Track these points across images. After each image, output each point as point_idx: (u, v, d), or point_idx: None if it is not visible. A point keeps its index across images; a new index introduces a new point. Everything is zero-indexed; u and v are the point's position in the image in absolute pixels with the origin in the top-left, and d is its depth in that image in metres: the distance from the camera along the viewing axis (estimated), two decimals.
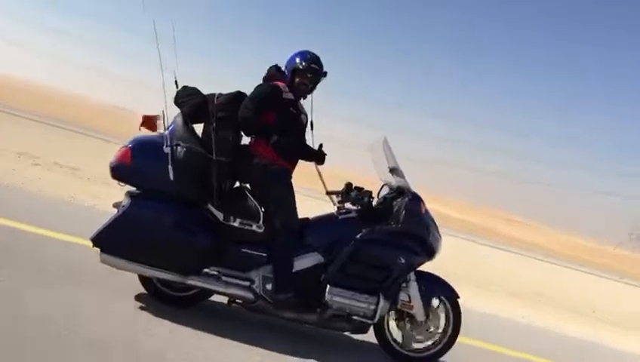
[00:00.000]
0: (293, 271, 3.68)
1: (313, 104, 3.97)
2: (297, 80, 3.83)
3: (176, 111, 3.75)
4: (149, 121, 3.71)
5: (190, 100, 3.73)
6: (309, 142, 3.98)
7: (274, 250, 3.67)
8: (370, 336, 3.92)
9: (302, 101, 3.95)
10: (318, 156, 3.99)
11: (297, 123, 3.87)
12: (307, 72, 3.82)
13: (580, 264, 23.02)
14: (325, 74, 3.87)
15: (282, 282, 3.64)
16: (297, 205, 3.78)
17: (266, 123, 3.73)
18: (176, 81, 3.82)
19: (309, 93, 3.91)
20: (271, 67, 3.95)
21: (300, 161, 3.93)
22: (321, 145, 4.01)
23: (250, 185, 3.83)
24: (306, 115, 3.96)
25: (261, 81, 3.87)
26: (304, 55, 3.86)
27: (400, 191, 3.85)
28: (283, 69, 3.91)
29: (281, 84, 3.81)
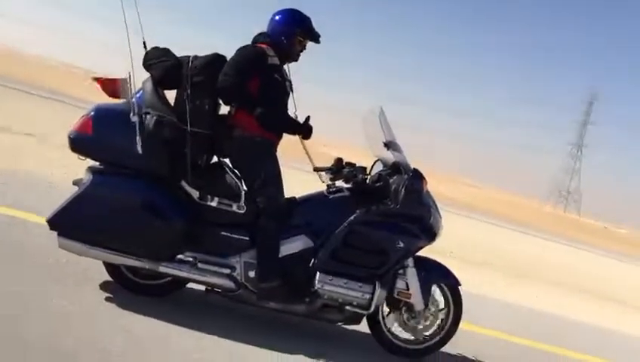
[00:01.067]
0: (280, 256, 3.29)
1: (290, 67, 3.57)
2: (286, 43, 3.39)
3: (145, 75, 3.28)
4: (109, 86, 3.24)
5: (161, 63, 3.25)
6: (291, 108, 3.56)
7: (258, 233, 3.27)
8: (362, 327, 3.56)
9: (285, 66, 3.52)
10: (304, 129, 3.57)
11: (283, 91, 3.44)
12: (298, 36, 3.40)
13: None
14: (319, 39, 3.46)
15: (267, 269, 3.25)
16: (284, 182, 3.38)
17: (248, 91, 3.29)
18: (144, 42, 3.35)
19: (295, 60, 3.50)
20: (260, 34, 3.51)
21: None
22: (307, 118, 3.59)
23: (230, 160, 3.40)
24: (291, 82, 3.54)
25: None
26: (297, 15, 3.42)
27: (396, 168, 3.45)
28: (267, 30, 3.46)
29: (265, 46, 3.37)
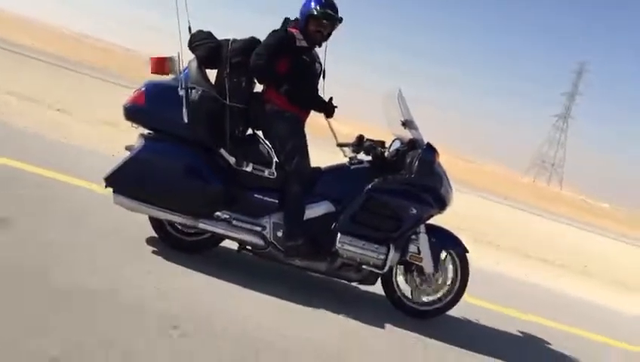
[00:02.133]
0: (305, 218, 3.69)
1: (327, 53, 3.93)
2: (312, 27, 3.76)
3: (190, 55, 3.72)
4: (159, 64, 3.67)
5: (204, 44, 3.69)
6: (320, 91, 3.95)
7: (286, 197, 3.67)
8: (377, 288, 3.93)
9: (317, 49, 3.90)
10: (327, 108, 3.96)
11: (310, 71, 3.83)
12: (322, 18, 3.74)
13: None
14: (341, 20, 3.80)
15: (293, 229, 3.65)
16: (310, 154, 3.78)
17: (277, 71, 3.69)
18: (189, 26, 3.77)
19: (324, 41, 3.86)
20: (287, 18, 3.91)
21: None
22: (331, 98, 3.98)
23: (262, 132, 3.82)
24: (321, 64, 3.92)
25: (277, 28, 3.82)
26: (319, 0, 3.78)
27: (413, 144, 3.82)
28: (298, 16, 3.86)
29: (295, 31, 3.76)
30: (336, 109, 4.01)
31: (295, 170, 3.67)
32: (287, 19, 3.87)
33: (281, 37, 3.72)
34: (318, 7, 3.73)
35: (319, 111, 3.96)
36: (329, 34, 3.83)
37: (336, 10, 3.78)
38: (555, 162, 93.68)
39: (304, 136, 3.78)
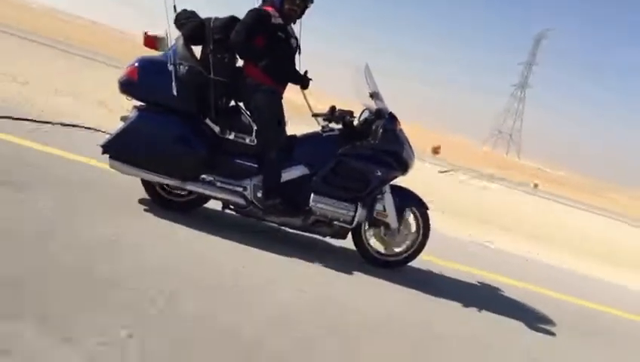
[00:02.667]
0: (282, 181, 4.13)
1: (302, 29, 4.34)
2: (286, 6, 4.14)
3: (176, 33, 4.11)
4: (151, 41, 4.07)
5: (189, 23, 4.08)
6: (297, 65, 4.36)
7: (264, 162, 4.11)
8: (349, 243, 4.41)
9: (292, 26, 4.30)
10: (303, 80, 4.38)
11: (286, 46, 4.23)
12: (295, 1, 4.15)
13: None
14: (312, 0, 4.21)
15: (271, 190, 4.10)
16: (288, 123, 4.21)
17: (254, 47, 4.08)
18: (174, 5, 4.14)
19: (297, 19, 4.26)
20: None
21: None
22: (306, 72, 4.40)
23: (243, 103, 4.24)
24: (296, 39, 4.32)
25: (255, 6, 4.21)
26: None
27: (379, 114, 4.27)
28: None
29: (270, 9, 4.13)
30: (310, 81, 4.43)
31: (272, 138, 4.11)
32: (264, 0, 4.26)
33: (258, 15, 4.09)
34: None
35: (295, 83, 4.37)
36: (302, 12, 4.24)
37: None
38: (512, 132, 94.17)
39: (281, 106, 4.21)
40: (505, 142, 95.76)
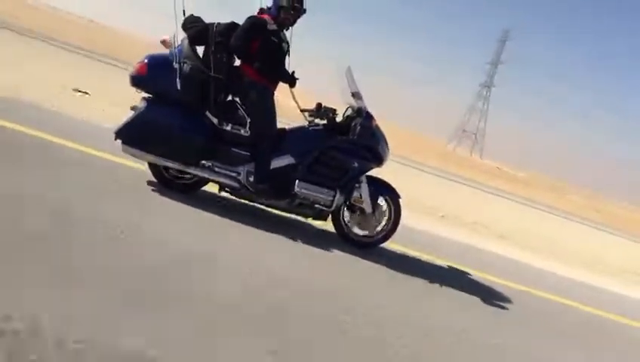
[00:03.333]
0: (271, 168, 4.71)
1: (292, 34, 4.91)
2: (282, 15, 4.71)
3: (182, 35, 4.67)
4: (166, 42, 4.64)
5: (195, 26, 4.64)
6: (287, 66, 4.91)
7: (257, 151, 4.68)
8: (329, 226, 5.01)
9: (285, 32, 4.86)
10: (290, 80, 4.91)
11: (278, 50, 4.78)
12: (290, 10, 4.71)
13: None
14: (305, 11, 4.76)
15: (262, 175, 4.67)
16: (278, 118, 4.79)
17: (250, 50, 4.62)
18: (184, 10, 4.69)
19: (290, 26, 4.83)
20: (262, 7, 4.85)
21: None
22: (293, 72, 4.95)
23: (239, 99, 4.80)
24: (288, 44, 4.88)
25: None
26: None
27: (358, 112, 4.85)
28: (270, 4, 4.79)
29: (266, 17, 4.71)
30: (297, 80, 4.98)
31: (264, 130, 4.68)
32: (262, 9, 4.81)
33: (254, 21, 4.67)
34: (287, 1, 4.68)
35: (284, 82, 4.92)
36: (295, 21, 4.80)
37: (302, 3, 4.74)
38: (477, 131, 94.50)
39: (273, 103, 4.78)
40: (470, 141, 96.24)
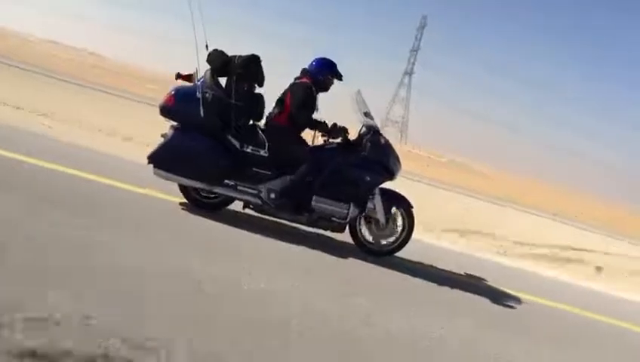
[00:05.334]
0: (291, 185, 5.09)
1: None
2: (326, 82, 5.31)
3: (204, 67, 5.14)
4: (186, 77, 5.13)
5: (218, 59, 5.11)
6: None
7: (298, 171, 5.03)
8: (346, 237, 5.34)
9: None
10: (319, 126, 5.29)
11: (312, 111, 5.27)
12: (333, 80, 5.34)
13: None
14: (341, 78, 5.37)
15: (288, 192, 5.02)
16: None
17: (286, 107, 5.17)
18: (207, 45, 5.16)
19: (326, 91, 5.40)
20: (304, 69, 5.36)
21: None
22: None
23: (271, 145, 5.10)
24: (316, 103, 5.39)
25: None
26: (334, 67, 5.32)
27: (369, 129, 5.21)
28: (308, 67, 5.32)
29: (306, 80, 5.23)
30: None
31: (302, 160, 5.08)
32: (304, 69, 5.34)
33: (308, 93, 5.19)
34: (333, 74, 5.33)
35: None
36: (331, 84, 5.39)
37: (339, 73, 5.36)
38: (400, 119, 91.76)
39: (295, 135, 5.24)
40: (396, 130, 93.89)
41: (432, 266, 5.63)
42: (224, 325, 3.05)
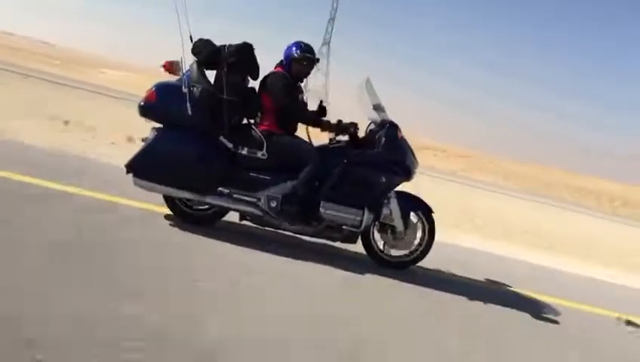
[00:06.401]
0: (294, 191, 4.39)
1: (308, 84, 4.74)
2: (295, 68, 4.59)
3: (190, 59, 4.45)
4: (171, 66, 4.41)
5: (205, 50, 4.43)
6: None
7: (303, 174, 4.36)
8: (358, 247, 4.67)
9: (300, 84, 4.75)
10: (315, 120, 4.68)
11: (298, 104, 4.66)
12: (303, 61, 4.59)
13: None
14: (318, 60, 4.67)
15: (293, 197, 4.34)
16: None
17: (266, 104, 4.50)
18: (190, 36, 4.48)
19: (305, 77, 4.73)
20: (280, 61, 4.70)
21: None
22: (321, 102, 4.88)
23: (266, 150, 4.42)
24: (303, 93, 4.77)
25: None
26: (299, 46, 4.60)
27: (382, 124, 4.55)
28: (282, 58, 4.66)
29: (281, 70, 4.59)
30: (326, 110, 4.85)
31: (306, 161, 4.39)
32: (279, 63, 4.68)
33: (288, 82, 4.54)
34: (298, 52, 4.58)
35: (312, 125, 4.72)
36: (309, 71, 4.69)
37: (313, 53, 4.63)
38: (321, 89, 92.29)
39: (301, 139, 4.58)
40: (317, 100, 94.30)
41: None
42: None
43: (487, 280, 5.18)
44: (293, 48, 4.59)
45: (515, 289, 5.03)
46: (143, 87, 5.08)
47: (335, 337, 3.09)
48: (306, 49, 4.61)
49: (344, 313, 3.53)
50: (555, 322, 4.34)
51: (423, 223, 4.63)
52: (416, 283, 4.40)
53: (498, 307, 4.34)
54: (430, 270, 4.89)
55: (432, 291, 4.33)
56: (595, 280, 6.82)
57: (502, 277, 5.31)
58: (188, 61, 4.43)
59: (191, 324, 2.76)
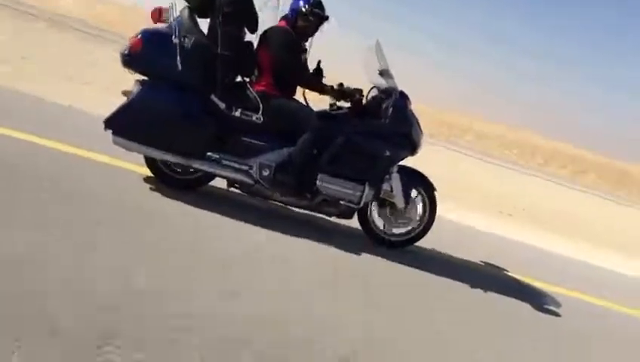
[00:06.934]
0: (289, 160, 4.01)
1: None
2: (300, 23, 4.11)
3: (182, 4, 3.95)
4: (160, 15, 3.90)
5: None
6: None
7: (300, 141, 3.98)
8: (353, 223, 4.36)
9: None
10: (315, 83, 4.29)
11: (299, 64, 4.22)
12: (310, 16, 4.10)
13: None
14: (327, 18, 4.14)
15: (287, 167, 3.97)
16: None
17: (263, 62, 4.08)
18: None
19: (310, 36, 4.25)
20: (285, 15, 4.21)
21: None
22: (319, 62, 4.41)
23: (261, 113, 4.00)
24: (305, 54, 4.32)
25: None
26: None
27: (388, 92, 4.17)
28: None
29: (283, 24, 4.12)
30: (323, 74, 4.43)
31: (305, 127, 4.00)
32: (286, 15, 4.18)
33: (292, 40, 4.10)
34: (306, 6, 4.07)
35: (310, 89, 4.33)
36: (316, 29, 4.20)
37: (323, 9, 4.14)
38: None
39: (300, 103, 4.17)
40: None
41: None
42: None
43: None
44: (301, 1, 4.11)
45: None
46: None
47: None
48: (315, 3, 4.13)
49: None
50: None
51: (424, 202, 4.34)
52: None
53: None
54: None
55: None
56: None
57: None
58: (179, 7, 3.94)
59: None
